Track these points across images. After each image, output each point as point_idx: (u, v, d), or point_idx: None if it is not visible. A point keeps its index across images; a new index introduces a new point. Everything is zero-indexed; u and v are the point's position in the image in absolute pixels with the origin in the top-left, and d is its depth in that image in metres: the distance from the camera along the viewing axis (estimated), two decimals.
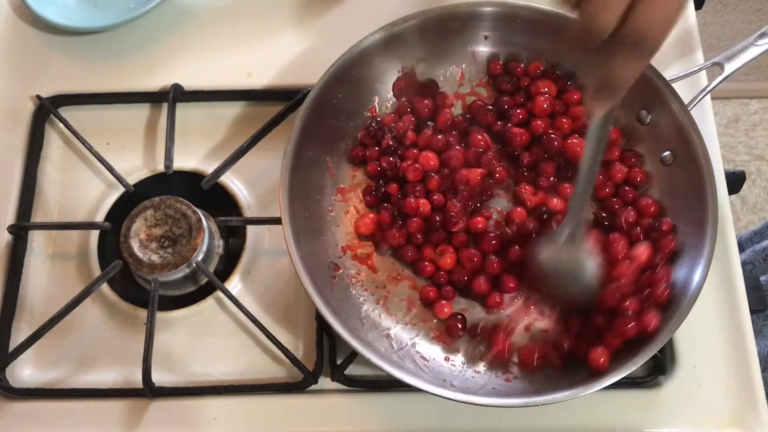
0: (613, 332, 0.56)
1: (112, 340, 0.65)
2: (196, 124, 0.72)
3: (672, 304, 0.57)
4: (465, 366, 0.60)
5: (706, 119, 0.70)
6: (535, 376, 0.59)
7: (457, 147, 0.65)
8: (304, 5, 0.77)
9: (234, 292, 0.64)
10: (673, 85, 0.63)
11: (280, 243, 0.62)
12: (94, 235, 0.68)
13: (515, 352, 0.60)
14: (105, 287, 0.66)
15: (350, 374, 0.62)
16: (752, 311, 0.64)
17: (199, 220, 0.64)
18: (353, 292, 0.62)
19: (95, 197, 0.70)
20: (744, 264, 0.65)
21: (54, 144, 0.73)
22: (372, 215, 0.65)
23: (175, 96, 0.71)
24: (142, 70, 0.74)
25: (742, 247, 0.66)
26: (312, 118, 0.63)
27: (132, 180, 0.69)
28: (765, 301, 0.66)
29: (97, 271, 0.67)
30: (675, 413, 0.61)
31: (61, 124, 0.71)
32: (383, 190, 0.65)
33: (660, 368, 0.62)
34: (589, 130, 0.51)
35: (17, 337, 0.64)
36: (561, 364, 0.58)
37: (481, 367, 0.60)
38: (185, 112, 0.71)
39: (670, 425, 0.60)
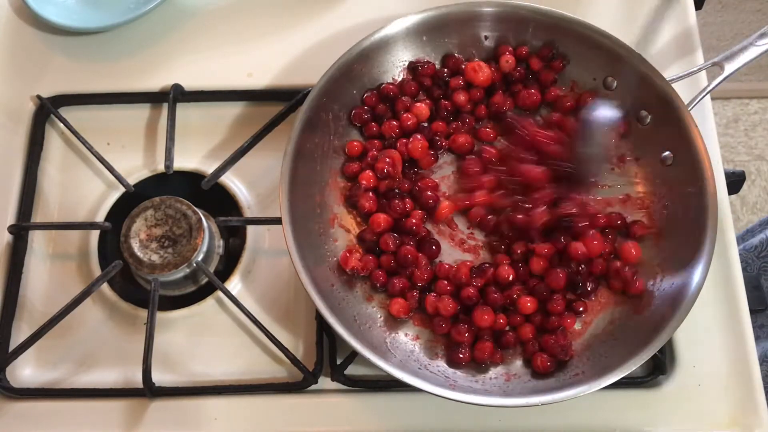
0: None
1: (112, 340, 0.65)
2: (196, 124, 0.72)
3: (673, 304, 0.57)
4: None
5: (706, 119, 0.70)
6: (534, 376, 0.59)
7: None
8: (305, 5, 0.77)
9: (234, 292, 0.64)
10: (673, 85, 0.63)
11: (280, 243, 0.62)
12: (95, 235, 0.68)
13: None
14: (105, 287, 0.66)
15: (350, 374, 0.62)
16: (752, 311, 0.64)
17: (200, 220, 0.64)
18: (353, 291, 0.62)
19: (95, 197, 0.70)
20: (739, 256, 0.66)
21: (54, 144, 0.73)
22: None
23: (175, 96, 0.71)
24: (142, 70, 0.74)
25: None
26: (312, 118, 0.63)
27: (132, 180, 0.69)
28: (765, 300, 0.66)
29: (97, 271, 0.67)
30: (675, 413, 0.61)
31: (62, 124, 0.71)
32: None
33: (660, 368, 0.62)
34: None
35: (17, 337, 0.64)
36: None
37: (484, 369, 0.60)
38: (185, 112, 0.71)
39: (670, 425, 0.60)
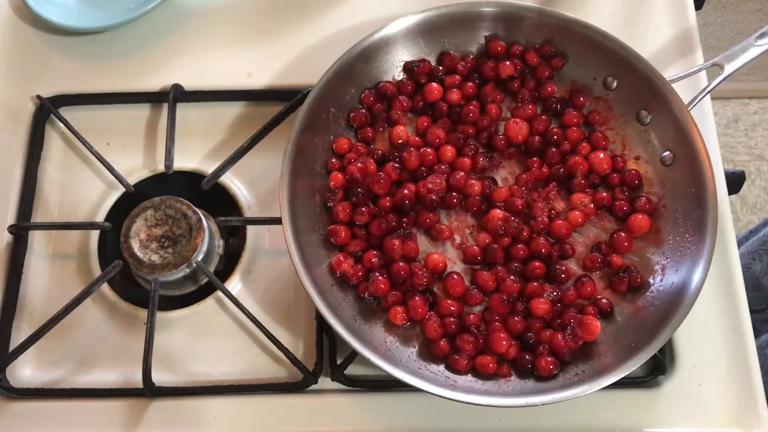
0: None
1: (112, 340, 0.65)
2: (196, 124, 0.72)
3: (673, 304, 0.57)
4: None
5: (706, 119, 0.70)
6: (534, 377, 0.59)
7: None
8: (305, 5, 0.77)
9: (234, 292, 0.64)
10: (673, 85, 0.63)
11: (280, 243, 0.62)
12: (95, 235, 0.68)
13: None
14: (105, 287, 0.66)
15: (350, 374, 0.62)
16: (752, 311, 0.64)
17: (200, 220, 0.64)
18: (353, 291, 0.62)
19: (95, 197, 0.70)
20: (741, 256, 0.66)
21: (54, 144, 0.73)
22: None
23: (175, 96, 0.71)
24: (142, 70, 0.74)
25: (738, 245, 0.66)
26: (312, 118, 0.63)
27: (132, 180, 0.69)
28: (765, 300, 0.66)
29: (97, 271, 0.67)
30: (675, 413, 0.61)
31: (62, 124, 0.71)
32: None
33: (660, 368, 0.62)
34: None
35: (17, 337, 0.64)
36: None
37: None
38: (185, 112, 0.71)
39: (670, 425, 0.60)
